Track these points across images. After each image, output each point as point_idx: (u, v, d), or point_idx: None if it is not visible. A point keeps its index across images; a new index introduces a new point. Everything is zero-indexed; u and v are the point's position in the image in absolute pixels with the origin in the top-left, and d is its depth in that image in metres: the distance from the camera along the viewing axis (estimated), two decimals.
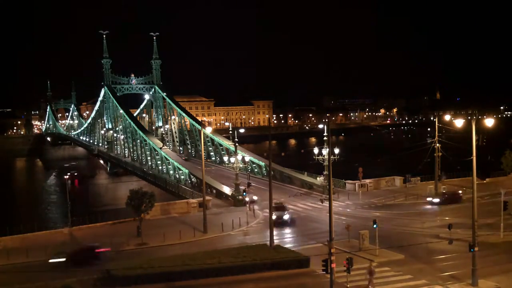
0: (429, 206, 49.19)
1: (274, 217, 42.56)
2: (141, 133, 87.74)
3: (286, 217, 42.94)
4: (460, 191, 51.66)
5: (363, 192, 55.90)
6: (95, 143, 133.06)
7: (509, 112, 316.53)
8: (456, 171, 61.49)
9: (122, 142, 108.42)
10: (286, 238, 39.20)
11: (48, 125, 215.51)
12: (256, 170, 72.82)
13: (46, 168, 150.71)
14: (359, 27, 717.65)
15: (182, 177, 66.98)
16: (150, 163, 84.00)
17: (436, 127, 52.06)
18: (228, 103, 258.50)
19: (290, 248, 33.00)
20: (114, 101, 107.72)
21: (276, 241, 34.95)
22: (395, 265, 30.31)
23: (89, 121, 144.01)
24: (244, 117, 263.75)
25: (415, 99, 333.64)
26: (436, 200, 50.00)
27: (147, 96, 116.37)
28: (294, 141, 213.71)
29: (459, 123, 29.88)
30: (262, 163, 71.48)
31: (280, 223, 41.68)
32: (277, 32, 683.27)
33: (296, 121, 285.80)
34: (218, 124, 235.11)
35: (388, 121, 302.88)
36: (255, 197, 51.74)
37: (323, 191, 55.21)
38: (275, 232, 35.98)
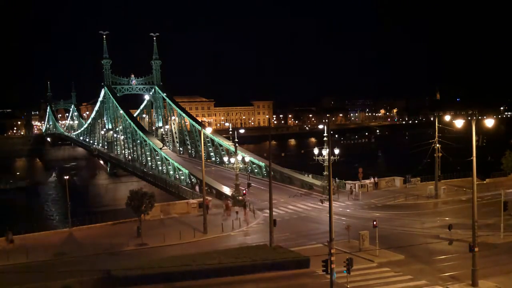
0: None
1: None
2: (141, 133, 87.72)
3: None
4: None
5: (363, 193, 55.89)
6: (95, 143, 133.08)
7: (509, 113, 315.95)
8: (456, 171, 61.51)
9: (122, 143, 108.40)
10: (286, 238, 39.13)
11: (48, 126, 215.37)
12: (256, 170, 72.82)
13: (46, 168, 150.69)
14: (359, 27, 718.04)
15: (182, 177, 66.94)
16: (150, 163, 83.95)
17: (436, 127, 52.08)
18: (228, 103, 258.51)
19: (290, 249, 32.98)
20: (114, 101, 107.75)
21: (276, 242, 34.93)
22: (395, 265, 30.30)
23: (89, 121, 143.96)
24: (244, 117, 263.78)
25: (415, 99, 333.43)
26: None
27: (147, 97, 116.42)
28: (294, 141, 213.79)
29: (459, 123, 29.88)
30: (262, 164, 71.46)
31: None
32: (277, 32, 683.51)
33: (296, 122, 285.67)
34: (218, 125, 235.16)
35: (388, 121, 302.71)
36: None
37: (323, 191, 55.23)
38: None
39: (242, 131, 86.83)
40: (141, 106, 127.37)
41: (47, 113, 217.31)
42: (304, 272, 29.25)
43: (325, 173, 53.49)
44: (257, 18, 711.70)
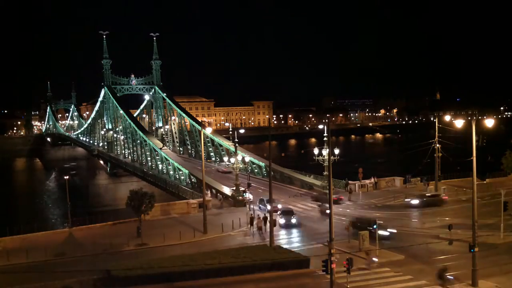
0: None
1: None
2: (141, 133, 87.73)
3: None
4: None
5: (363, 193, 55.87)
6: (95, 143, 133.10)
7: (509, 113, 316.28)
8: (456, 171, 61.48)
9: (122, 143, 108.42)
10: (286, 238, 39.15)
11: (48, 126, 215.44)
12: (256, 170, 72.82)
13: (46, 168, 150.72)
14: (359, 27, 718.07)
15: (182, 177, 66.92)
16: (150, 163, 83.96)
17: (437, 127, 52.06)
18: (228, 103, 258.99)
19: (290, 249, 32.96)
20: (114, 101, 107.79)
21: (276, 242, 34.92)
22: (395, 265, 30.29)
23: (89, 121, 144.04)
24: (244, 117, 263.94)
25: (415, 99, 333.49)
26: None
27: (147, 97, 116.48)
28: (294, 141, 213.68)
29: (459, 123, 29.87)
30: (262, 164, 71.45)
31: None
32: (277, 32, 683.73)
33: (296, 122, 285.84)
34: (218, 125, 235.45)
35: (388, 121, 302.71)
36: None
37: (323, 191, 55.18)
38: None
39: (242, 131, 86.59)
40: (141, 106, 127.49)
41: (47, 113, 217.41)
42: (304, 272, 29.25)
43: (325, 173, 53.47)
44: (257, 17, 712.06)
